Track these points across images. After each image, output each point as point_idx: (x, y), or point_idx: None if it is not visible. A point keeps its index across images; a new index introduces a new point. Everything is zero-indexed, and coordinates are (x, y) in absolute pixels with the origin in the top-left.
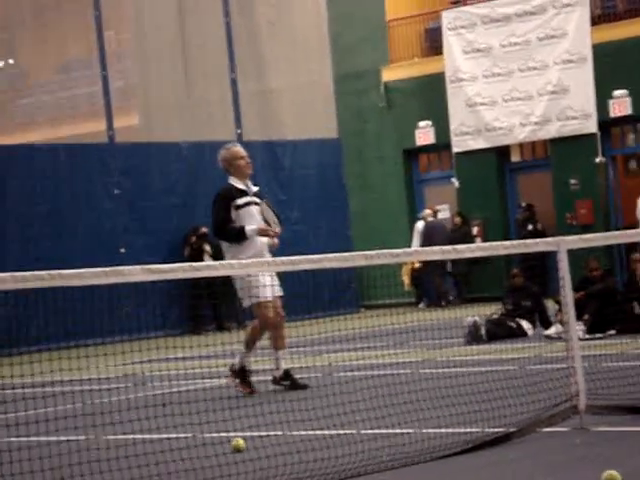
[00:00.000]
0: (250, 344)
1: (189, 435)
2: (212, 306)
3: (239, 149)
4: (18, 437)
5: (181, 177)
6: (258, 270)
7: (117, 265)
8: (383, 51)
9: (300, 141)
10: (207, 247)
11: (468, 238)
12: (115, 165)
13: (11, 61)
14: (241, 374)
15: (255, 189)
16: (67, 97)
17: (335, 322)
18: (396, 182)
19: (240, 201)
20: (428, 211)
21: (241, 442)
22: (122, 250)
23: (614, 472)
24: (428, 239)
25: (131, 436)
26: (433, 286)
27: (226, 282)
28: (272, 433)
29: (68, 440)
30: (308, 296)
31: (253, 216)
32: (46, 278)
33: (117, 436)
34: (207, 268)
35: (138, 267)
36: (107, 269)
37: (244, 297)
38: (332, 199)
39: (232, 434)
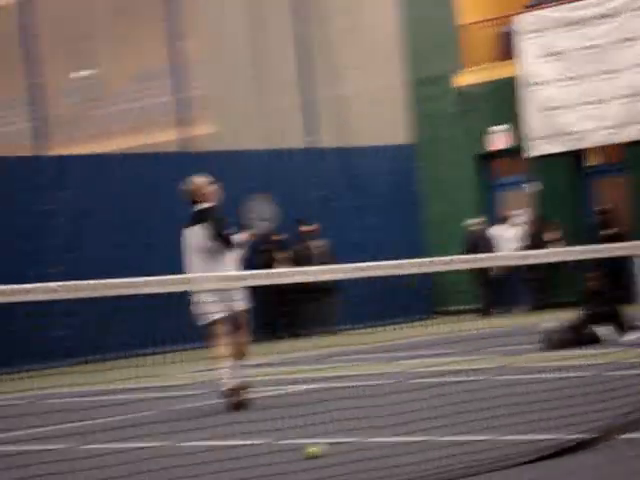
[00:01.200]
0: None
1: (262, 442)
2: (286, 313)
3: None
4: (102, 444)
5: (255, 185)
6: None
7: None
8: (456, 56)
9: (374, 147)
10: (280, 255)
11: (544, 243)
12: (190, 173)
13: (89, 72)
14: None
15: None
16: (143, 106)
17: (409, 329)
18: (470, 188)
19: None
20: (476, 220)
21: (316, 449)
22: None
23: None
24: (474, 248)
25: (204, 443)
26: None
27: (299, 289)
28: (346, 440)
29: (143, 447)
30: (381, 302)
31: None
32: (121, 286)
33: (191, 443)
34: (281, 275)
35: (213, 274)
36: (183, 277)
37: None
38: (405, 205)
39: (306, 441)
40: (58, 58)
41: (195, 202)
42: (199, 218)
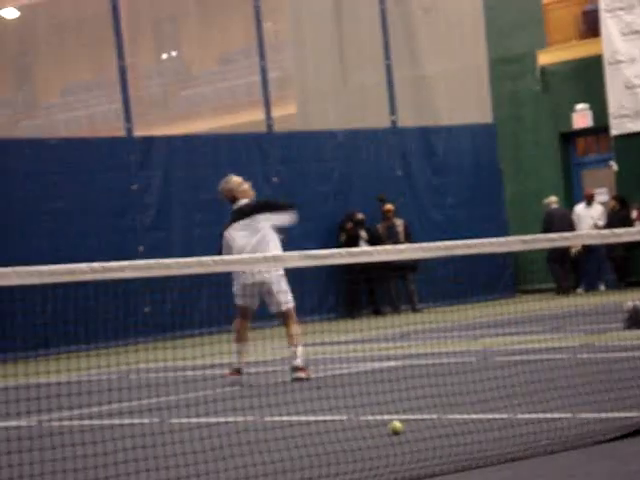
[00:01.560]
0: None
1: (344, 417)
2: (368, 291)
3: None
4: (187, 418)
5: (336, 164)
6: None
7: None
8: (539, 34)
9: (454, 127)
10: (363, 233)
11: (627, 222)
12: (273, 154)
13: (174, 53)
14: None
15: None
16: (227, 88)
17: (491, 307)
18: (552, 166)
19: None
20: (553, 198)
21: (399, 425)
22: (281, 237)
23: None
24: (549, 226)
25: (288, 418)
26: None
27: (381, 267)
28: (428, 416)
29: (227, 422)
30: (464, 281)
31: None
32: (209, 264)
33: (275, 418)
34: (363, 254)
35: (296, 253)
36: (268, 255)
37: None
38: (487, 184)
39: (387, 417)
40: (145, 40)
41: (235, 200)
42: (243, 213)
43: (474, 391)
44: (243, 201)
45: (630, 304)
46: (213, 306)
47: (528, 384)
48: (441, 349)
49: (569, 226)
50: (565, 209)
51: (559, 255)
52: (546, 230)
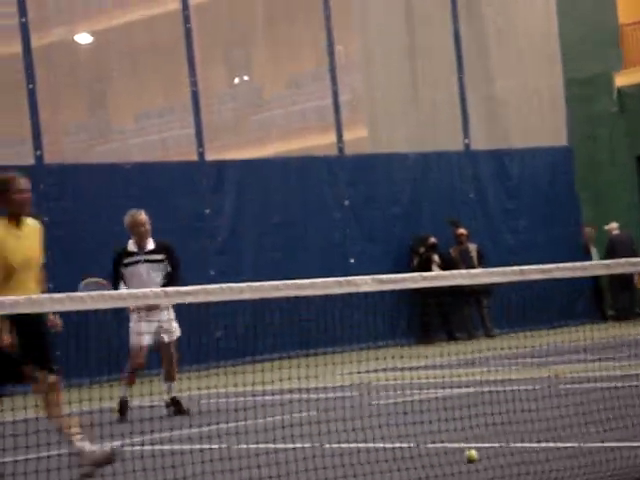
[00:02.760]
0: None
1: (412, 445)
2: (441, 315)
3: (141, 217)
4: (256, 444)
5: (407, 187)
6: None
7: (346, 275)
8: (616, 55)
9: (529, 149)
10: (435, 257)
11: None
12: (344, 177)
13: (246, 77)
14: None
15: (151, 247)
16: (298, 111)
17: (567, 333)
18: (630, 189)
19: (126, 260)
20: (614, 224)
21: (474, 453)
22: (351, 260)
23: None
24: (612, 253)
25: (356, 445)
26: None
27: (455, 292)
28: (496, 445)
29: (294, 448)
30: (539, 306)
31: (134, 275)
32: (281, 288)
33: (342, 445)
34: (437, 278)
35: (369, 277)
36: (341, 279)
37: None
38: (563, 207)
39: (455, 445)
40: (217, 65)
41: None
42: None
43: (544, 419)
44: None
45: None
46: (285, 330)
47: (599, 412)
48: (512, 376)
49: (632, 252)
50: (628, 234)
51: (623, 282)
52: (609, 257)
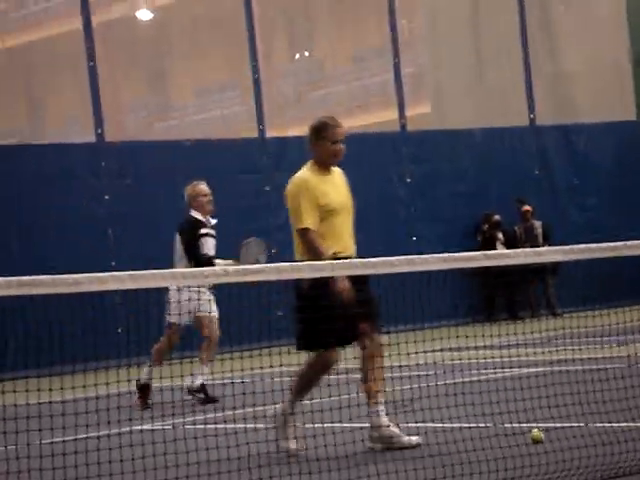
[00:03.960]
0: (206, 360)
1: (487, 425)
2: (505, 294)
3: (203, 187)
4: (324, 423)
5: (472, 164)
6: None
7: (410, 253)
8: None
9: (595, 124)
10: (499, 235)
11: None
12: (407, 153)
13: (307, 53)
14: (145, 389)
15: (213, 222)
16: (360, 86)
17: (637, 311)
18: None
19: (203, 231)
20: None
21: (538, 433)
22: (414, 238)
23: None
24: None
25: (425, 424)
26: None
27: (520, 270)
28: (572, 424)
29: (362, 428)
30: (607, 284)
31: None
32: (344, 266)
33: (419, 424)
34: (500, 256)
35: (434, 256)
36: (403, 258)
37: (189, 311)
38: (631, 184)
39: (530, 425)
40: (278, 40)
41: (190, 207)
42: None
43: (621, 399)
44: (193, 213)
45: None
46: None
47: None
48: (583, 355)
49: None
50: None
51: None
52: None
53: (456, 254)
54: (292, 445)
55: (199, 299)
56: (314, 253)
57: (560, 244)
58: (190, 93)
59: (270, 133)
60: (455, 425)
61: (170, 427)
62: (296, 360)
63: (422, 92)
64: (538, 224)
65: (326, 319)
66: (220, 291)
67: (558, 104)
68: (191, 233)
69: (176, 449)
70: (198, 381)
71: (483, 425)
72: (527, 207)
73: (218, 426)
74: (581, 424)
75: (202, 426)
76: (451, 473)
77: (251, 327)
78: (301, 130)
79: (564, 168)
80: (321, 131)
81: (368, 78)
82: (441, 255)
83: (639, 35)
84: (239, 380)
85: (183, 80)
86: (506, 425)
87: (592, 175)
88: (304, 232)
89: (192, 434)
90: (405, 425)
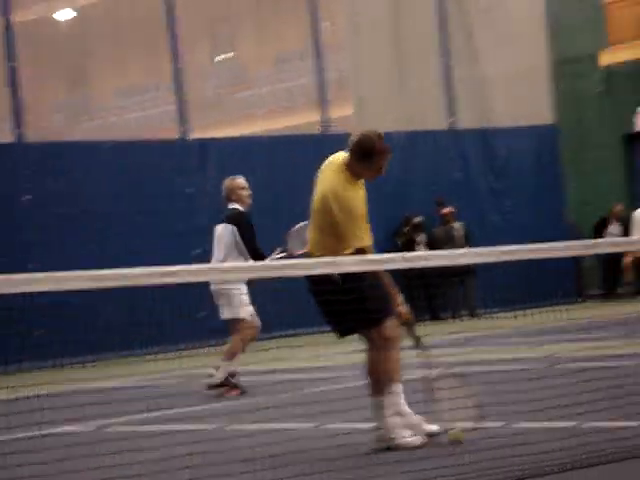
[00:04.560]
0: (233, 356)
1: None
2: (426, 296)
3: (241, 181)
4: (249, 424)
5: (393, 167)
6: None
7: None
8: (602, 34)
9: (514, 128)
10: (420, 237)
11: None
12: (330, 155)
13: (230, 54)
14: (226, 383)
15: None
16: (283, 88)
17: (552, 312)
18: (615, 168)
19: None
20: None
21: (459, 433)
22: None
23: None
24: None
25: (335, 425)
26: None
27: (440, 272)
28: (490, 425)
29: (287, 429)
30: (524, 286)
31: None
32: (260, 269)
33: (337, 425)
34: (420, 258)
35: (354, 258)
36: (327, 259)
37: (230, 307)
38: (548, 187)
39: (448, 425)
40: (200, 41)
41: (229, 200)
42: (229, 218)
43: (540, 399)
44: (234, 206)
45: None
46: (267, 310)
47: (594, 392)
48: (502, 355)
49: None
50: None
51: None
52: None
53: (377, 255)
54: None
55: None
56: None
57: (479, 246)
58: (112, 94)
59: (192, 134)
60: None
61: (93, 429)
62: (208, 362)
63: (345, 94)
64: (458, 226)
65: (375, 298)
66: (143, 293)
67: (477, 108)
68: (249, 225)
69: (98, 451)
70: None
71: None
72: (447, 209)
73: (138, 428)
74: (501, 424)
75: (128, 428)
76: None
77: (174, 329)
78: (223, 132)
79: (483, 171)
80: (369, 149)
81: (291, 80)
82: (362, 257)
83: (557, 40)
84: (166, 382)
85: (105, 81)
86: (426, 427)
87: (510, 178)
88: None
89: (117, 436)
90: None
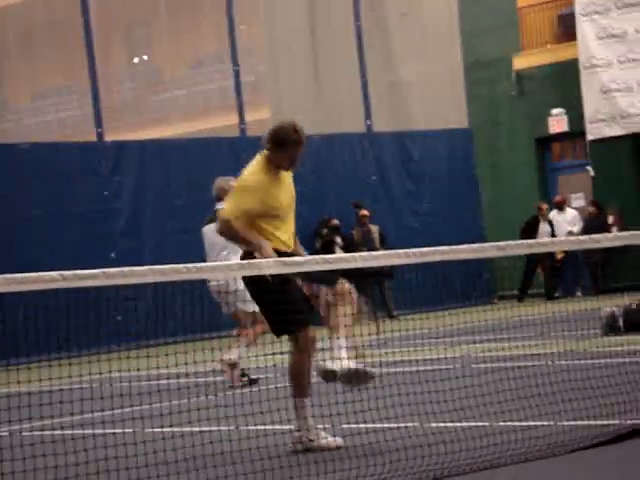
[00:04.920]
0: (250, 344)
1: (325, 426)
2: None
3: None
4: (162, 428)
5: (311, 169)
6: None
7: None
8: (514, 38)
9: (430, 132)
10: (338, 239)
11: (604, 227)
12: (247, 158)
13: (145, 57)
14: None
15: None
16: (200, 92)
17: (467, 314)
18: (528, 171)
19: None
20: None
21: (329, 365)
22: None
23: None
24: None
25: (263, 427)
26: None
27: (356, 274)
28: (406, 425)
29: (201, 431)
30: (440, 287)
31: None
32: (183, 271)
33: (250, 427)
34: (338, 260)
35: (273, 260)
36: (244, 262)
37: (244, 301)
38: (463, 190)
39: (364, 426)
40: (117, 44)
41: (220, 199)
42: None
43: (453, 399)
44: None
45: (608, 310)
46: (187, 313)
47: (506, 392)
48: (418, 356)
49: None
50: None
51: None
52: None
53: (294, 258)
54: (333, 439)
55: None
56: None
57: (396, 248)
58: (27, 96)
59: (108, 137)
60: (286, 427)
61: (6, 434)
62: (135, 365)
63: (262, 98)
64: (375, 228)
65: (291, 301)
66: (56, 298)
67: (394, 112)
68: None
69: (13, 456)
70: (233, 355)
71: (321, 426)
72: (364, 212)
73: (56, 432)
74: (415, 424)
75: (39, 432)
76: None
77: (91, 332)
78: (140, 134)
79: (399, 174)
80: (282, 138)
81: (207, 83)
82: (282, 259)
83: (472, 44)
84: (78, 386)
85: (20, 83)
86: (344, 426)
87: (426, 181)
88: None
89: (31, 441)
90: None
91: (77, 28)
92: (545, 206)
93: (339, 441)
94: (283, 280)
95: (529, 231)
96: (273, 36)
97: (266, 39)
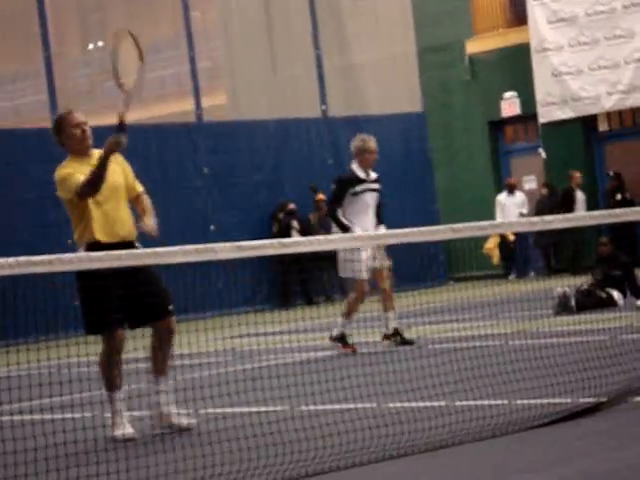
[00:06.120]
0: (348, 314)
1: (285, 408)
2: (301, 281)
3: (372, 144)
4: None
5: (268, 154)
6: (349, 245)
7: (207, 242)
8: (467, 23)
9: (384, 116)
10: (295, 223)
11: (555, 209)
12: (204, 144)
13: (101, 43)
14: (341, 339)
15: (374, 176)
16: (155, 78)
17: (423, 295)
18: (482, 154)
19: (358, 188)
20: None
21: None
22: (212, 228)
23: None
24: None
25: (230, 409)
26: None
27: (314, 258)
28: (364, 405)
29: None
30: (395, 270)
31: (361, 203)
32: (138, 256)
33: (217, 409)
34: (295, 244)
35: (228, 244)
36: (199, 246)
37: (343, 269)
38: (417, 173)
39: (322, 407)
40: (71, 30)
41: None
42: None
43: (408, 379)
44: (354, 167)
45: (560, 290)
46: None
47: (461, 372)
48: (374, 338)
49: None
50: None
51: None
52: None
53: (252, 242)
54: (128, 430)
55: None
56: None
57: None
58: None
59: None
60: (254, 409)
61: None
62: (93, 350)
63: (217, 83)
64: None
65: (107, 302)
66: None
67: (349, 96)
68: (339, 189)
69: None
70: (335, 331)
71: (280, 409)
72: (321, 196)
73: (14, 418)
74: (373, 405)
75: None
76: (238, 457)
77: (46, 317)
78: (95, 120)
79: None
80: (57, 125)
81: (163, 69)
82: (238, 243)
83: (425, 28)
84: (35, 371)
85: None
86: (302, 408)
87: (381, 165)
88: None
89: None
90: (204, 411)
91: (32, 14)
92: (578, 174)
93: (190, 420)
94: (101, 276)
95: (568, 201)
96: (228, 21)
97: (221, 24)
